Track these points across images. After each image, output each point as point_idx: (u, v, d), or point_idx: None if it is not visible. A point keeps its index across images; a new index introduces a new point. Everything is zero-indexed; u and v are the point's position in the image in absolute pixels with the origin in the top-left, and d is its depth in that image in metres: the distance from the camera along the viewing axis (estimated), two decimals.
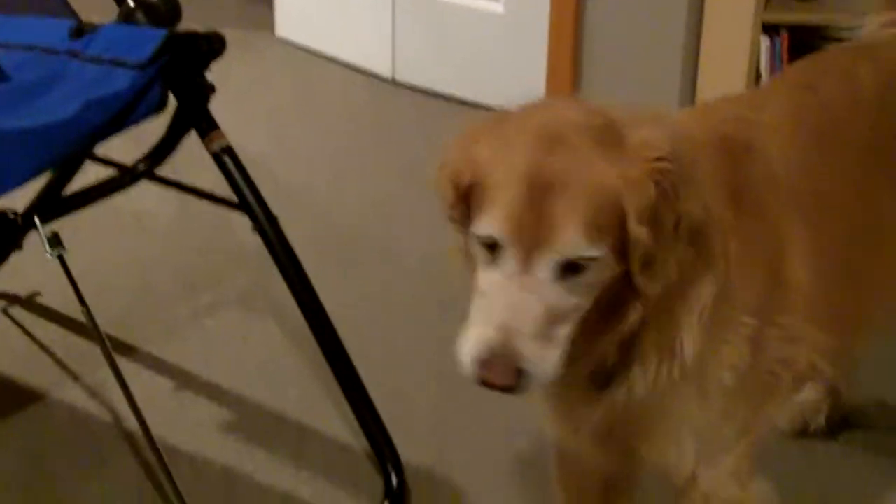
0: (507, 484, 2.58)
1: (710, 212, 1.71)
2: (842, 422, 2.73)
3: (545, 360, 1.60)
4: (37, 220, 2.22)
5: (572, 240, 1.56)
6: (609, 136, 1.62)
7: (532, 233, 1.57)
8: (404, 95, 4.52)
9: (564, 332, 1.62)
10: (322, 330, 2.53)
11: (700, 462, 1.95)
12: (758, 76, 3.44)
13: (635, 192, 1.58)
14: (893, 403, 2.81)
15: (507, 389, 1.58)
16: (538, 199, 1.57)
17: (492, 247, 1.59)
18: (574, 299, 1.61)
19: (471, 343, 1.59)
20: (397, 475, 2.51)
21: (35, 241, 2.25)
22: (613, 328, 1.72)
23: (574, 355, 1.66)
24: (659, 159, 1.59)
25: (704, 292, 1.76)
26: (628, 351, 1.78)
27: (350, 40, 4.70)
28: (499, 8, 4.28)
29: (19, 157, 2.14)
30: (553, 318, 1.60)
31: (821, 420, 2.69)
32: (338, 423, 2.74)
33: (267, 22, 5.01)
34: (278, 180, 3.76)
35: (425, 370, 2.91)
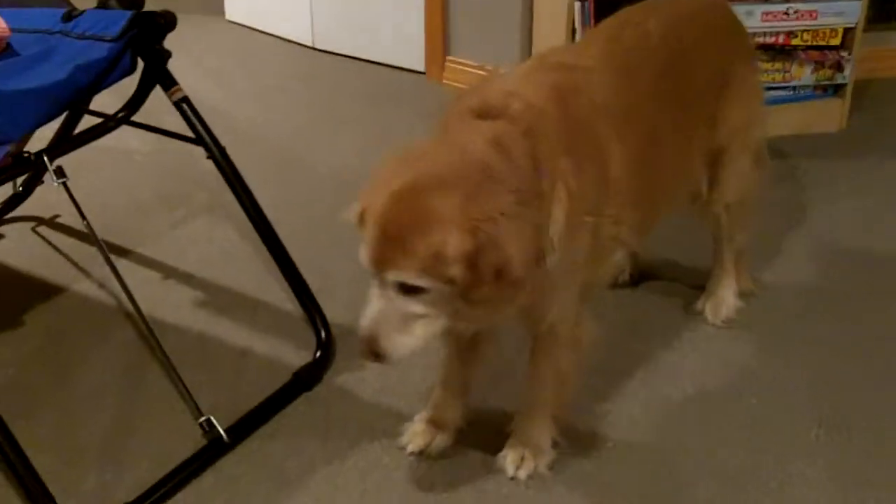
0: None
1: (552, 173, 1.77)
2: (640, 275, 2.75)
3: (399, 346, 1.73)
4: (45, 157, 2.17)
5: (400, 273, 1.66)
6: (450, 189, 1.65)
7: (379, 263, 1.68)
8: (320, 57, 4.46)
9: (422, 328, 1.73)
10: (263, 229, 2.51)
11: (558, 315, 1.98)
12: (573, 31, 3.41)
13: (456, 242, 1.62)
14: (674, 260, 2.84)
15: (375, 361, 1.76)
16: (384, 240, 1.66)
17: None
18: (423, 309, 1.71)
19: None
20: (325, 331, 2.50)
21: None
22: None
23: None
24: (479, 220, 1.63)
25: (559, 217, 1.78)
26: None
27: (279, 19, 4.61)
28: None
29: (27, 110, 2.12)
30: (408, 319, 1.72)
31: (626, 275, 2.72)
32: (281, 296, 2.71)
33: (220, 8, 4.90)
34: (228, 121, 3.69)
35: (343, 254, 2.87)
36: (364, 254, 1.70)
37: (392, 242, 1.65)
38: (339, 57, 4.42)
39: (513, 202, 1.68)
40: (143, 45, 2.33)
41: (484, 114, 1.81)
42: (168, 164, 3.46)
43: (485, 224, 1.63)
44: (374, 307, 1.73)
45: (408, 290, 1.69)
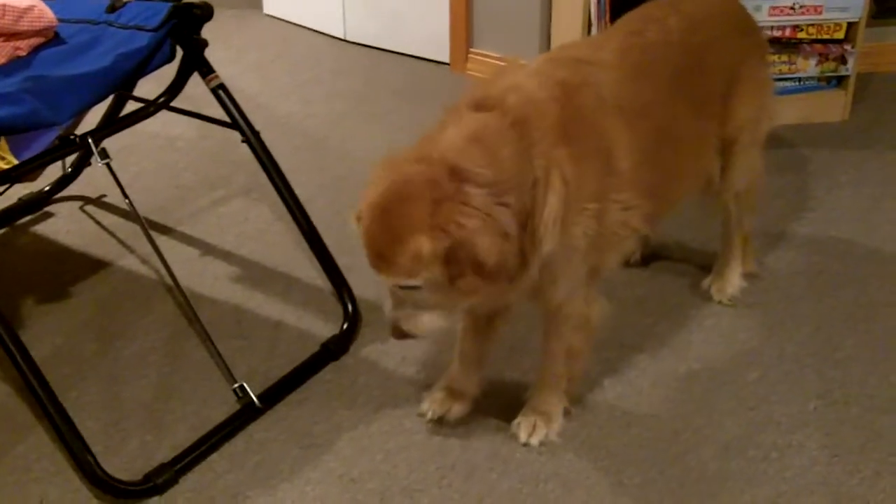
0: None
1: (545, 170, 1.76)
2: (651, 255, 2.72)
3: (419, 326, 1.81)
4: (89, 139, 2.17)
5: (391, 279, 1.75)
6: (417, 198, 1.69)
7: (376, 269, 1.76)
8: (352, 49, 4.43)
9: (433, 312, 1.80)
10: (296, 209, 2.50)
11: (566, 296, 1.97)
12: (589, 24, 3.37)
13: (428, 245, 1.67)
14: (683, 242, 2.80)
15: (405, 339, 1.86)
16: (372, 251, 1.75)
17: None
18: (425, 300, 1.77)
19: None
20: (352, 305, 2.50)
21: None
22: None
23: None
24: (445, 222, 1.67)
25: (553, 203, 1.77)
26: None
27: (314, 13, 4.59)
28: None
29: (73, 95, 2.12)
30: (418, 306, 1.79)
31: (637, 256, 2.69)
32: (312, 273, 2.70)
33: (257, 2, 4.88)
34: (266, 109, 3.69)
35: None
36: (367, 258, 1.77)
37: (378, 254, 1.74)
38: (369, 49, 4.40)
39: (483, 196, 1.69)
40: (182, 35, 2.31)
41: (479, 106, 1.81)
42: (209, 149, 3.45)
43: (451, 226, 1.67)
44: (390, 300, 1.83)
45: (403, 288, 1.76)
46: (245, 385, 2.19)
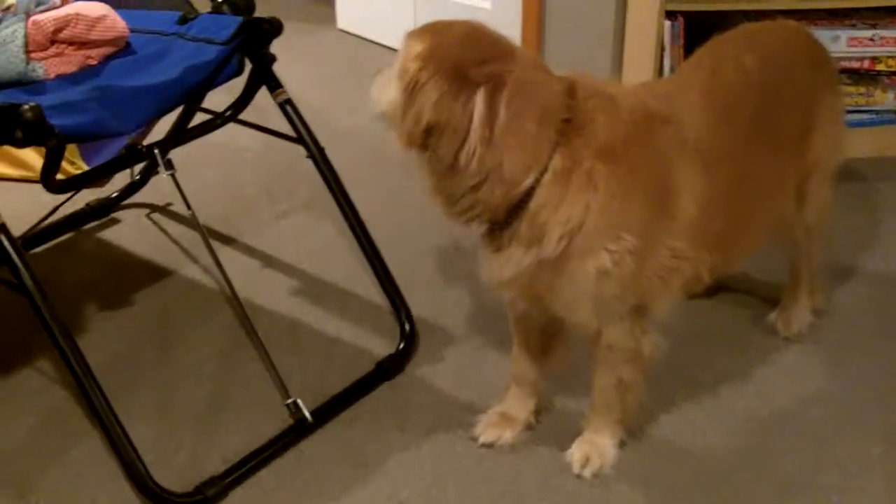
0: (483, 327, 2.56)
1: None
2: (715, 286, 2.67)
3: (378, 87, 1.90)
4: (155, 150, 2.20)
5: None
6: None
7: None
8: None
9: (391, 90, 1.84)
10: (357, 225, 2.50)
11: (600, 324, 1.94)
12: (662, 49, 3.34)
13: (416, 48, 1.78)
14: (748, 274, 2.75)
15: None
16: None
17: None
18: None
19: None
20: (409, 325, 2.49)
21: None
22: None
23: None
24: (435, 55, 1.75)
25: (574, 214, 1.77)
26: (515, 216, 1.80)
27: (386, 28, 4.61)
28: (487, 5, 4.17)
29: (140, 105, 2.14)
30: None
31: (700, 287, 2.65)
32: (370, 290, 2.70)
33: (330, 17, 4.92)
34: (333, 123, 3.70)
35: (428, 253, 2.90)
36: None
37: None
38: None
39: (493, 74, 1.72)
40: (251, 49, 2.34)
41: (570, 90, 1.81)
42: (275, 162, 3.48)
43: (434, 61, 1.73)
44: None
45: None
46: (298, 401, 2.20)
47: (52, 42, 2.25)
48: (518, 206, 1.78)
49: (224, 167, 3.48)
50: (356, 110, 3.94)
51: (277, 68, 2.44)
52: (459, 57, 1.73)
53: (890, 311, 2.62)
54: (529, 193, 1.77)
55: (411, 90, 1.74)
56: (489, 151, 1.72)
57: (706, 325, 2.56)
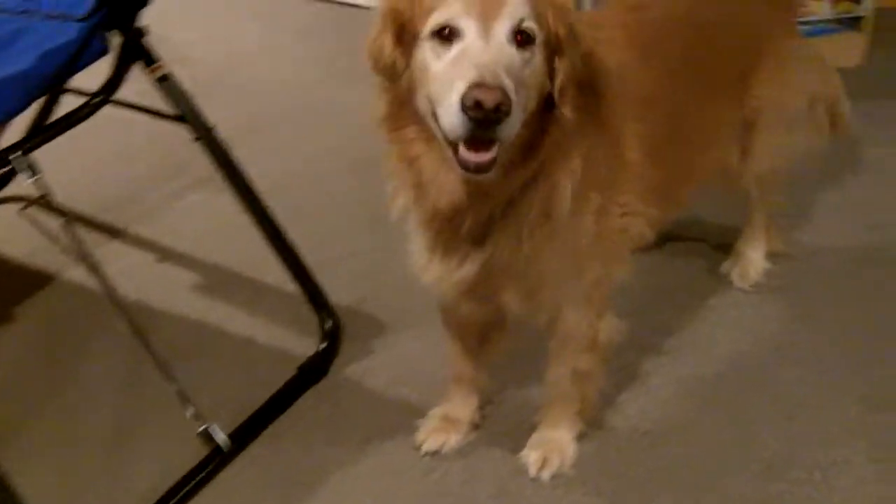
0: (417, 311, 2.31)
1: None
2: (664, 237, 2.49)
3: (514, 108, 1.38)
4: (11, 157, 1.89)
5: (517, 9, 1.43)
6: None
7: (486, 7, 1.42)
8: (316, 6, 4.15)
9: (521, 101, 1.42)
10: (256, 210, 2.23)
11: (561, 310, 1.78)
12: None
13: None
14: (698, 217, 2.58)
15: (496, 112, 1.35)
16: None
17: (446, 37, 1.43)
18: (525, 70, 1.44)
19: (461, 84, 1.37)
20: (331, 321, 2.26)
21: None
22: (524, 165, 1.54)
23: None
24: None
25: (576, 166, 1.58)
26: (511, 209, 1.60)
27: None
28: None
29: None
30: (511, 78, 1.40)
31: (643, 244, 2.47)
32: (282, 275, 2.41)
33: None
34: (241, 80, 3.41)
35: (355, 227, 2.67)
36: (461, 7, 1.42)
37: None
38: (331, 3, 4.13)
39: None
40: (118, 24, 2.03)
41: None
42: (163, 134, 3.16)
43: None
44: (481, 57, 1.40)
45: (520, 39, 1.45)
46: (210, 428, 1.96)
47: None
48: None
49: (106, 143, 3.15)
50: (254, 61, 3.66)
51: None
52: None
53: (854, 247, 2.47)
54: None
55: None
56: None
57: (660, 285, 2.38)
